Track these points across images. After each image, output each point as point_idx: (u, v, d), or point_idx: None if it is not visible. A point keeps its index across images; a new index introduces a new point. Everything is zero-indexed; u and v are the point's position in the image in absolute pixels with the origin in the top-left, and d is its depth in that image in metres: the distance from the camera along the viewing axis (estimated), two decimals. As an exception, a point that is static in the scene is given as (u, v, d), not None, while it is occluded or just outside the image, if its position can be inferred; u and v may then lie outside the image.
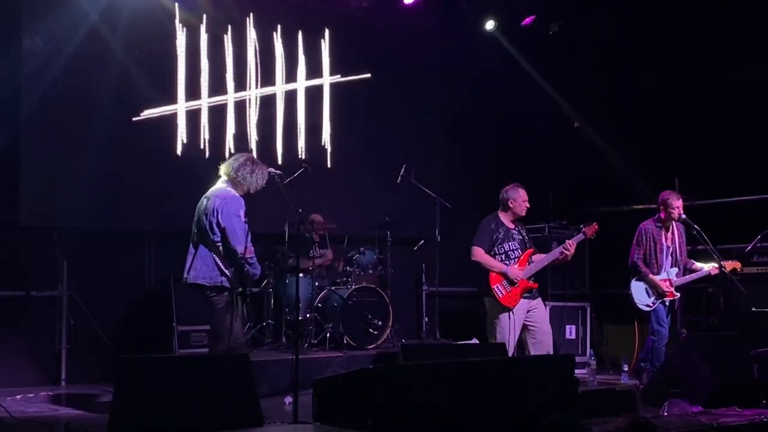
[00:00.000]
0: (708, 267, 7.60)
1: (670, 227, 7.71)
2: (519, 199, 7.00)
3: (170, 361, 5.87)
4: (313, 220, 8.38)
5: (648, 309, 7.60)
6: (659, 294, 7.56)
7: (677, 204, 7.61)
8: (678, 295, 7.64)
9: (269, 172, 6.19)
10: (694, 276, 7.66)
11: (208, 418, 4.73)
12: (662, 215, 7.69)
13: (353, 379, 4.74)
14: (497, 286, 6.82)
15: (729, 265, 7.56)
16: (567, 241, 7.01)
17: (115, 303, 8.16)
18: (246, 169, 6.06)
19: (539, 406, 4.72)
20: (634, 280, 7.67)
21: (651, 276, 7.59)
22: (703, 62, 9.04)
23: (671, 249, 7.69)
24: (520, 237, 7.04)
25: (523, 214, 7.04)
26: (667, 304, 7.60)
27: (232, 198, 5.99)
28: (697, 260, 7.77)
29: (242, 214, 5.94)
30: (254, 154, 8.85)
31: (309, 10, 9.51)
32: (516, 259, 6.92)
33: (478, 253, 6.91)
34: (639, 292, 7.65)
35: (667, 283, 7.58)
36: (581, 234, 7.11)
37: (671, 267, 7.66)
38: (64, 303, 7.85)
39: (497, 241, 6.93)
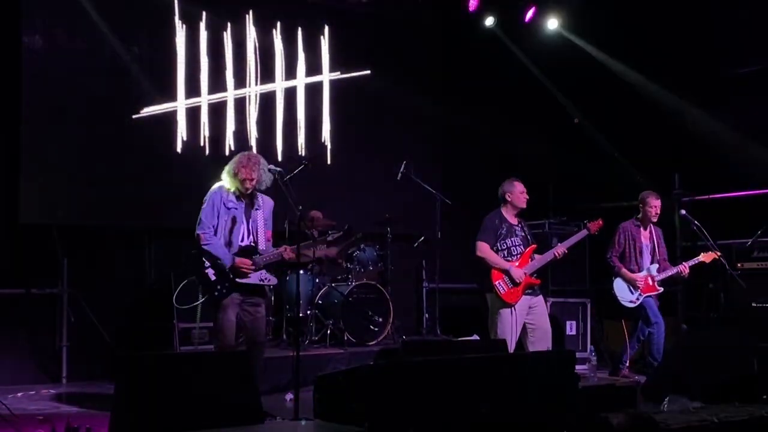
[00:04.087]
0: (680, 266, 7.67)
1: (648, 226, 7.82)
2: (515, 191, 6.98)
3: (171, 359, 5.87)
4: (313, 217, 8.38)
5: (632, 305, 7.73)
6: (635, 288, 7.66)
7: (655, 203, 7.76)
8: (661, 289, 7.74)
9: (269, 169, 6.18)
10: (668, 273, 7.72)
11: (209, 415, 4.73)
12: (641, 214, 7.81)
13: (354, 376, 4.73)
14: (499, 283, 6.81)
15: (708, 256, 7.60)
16: (559, 245, 7.04)
17: (116, 300, 8.16)
18: (230, 166, 6.09)
19: (540, 402, 4.73)
20: (615, 279, 7.78)
21: (624, 271, 7.76)
22: (704, 59, 9.04)
23: (650, 248, 7.82)
24: (523, 233, 7.04)
25: (523, 206, 7.02)
26: (652, 297, 7.70)
27: (209, 191, 6.10)
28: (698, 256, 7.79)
29: (209, 202, 6.01)
30: (254, 150, 8.87)
31: (308, 7, 9.50)
32: (518, 255, 6.91)
33: (484, 249, 6.89)
34: (622, 289, 7.81)
35: (649, 278, 7.69)
36: (585, 230, 7.10)
37: (651, 264, 7.76)
38: (64, 300, 7.85)
39: (500, 237, 6.92)
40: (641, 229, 7.85)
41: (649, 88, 9.58)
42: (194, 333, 7.77)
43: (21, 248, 7.76)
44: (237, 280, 5.95)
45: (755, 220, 8.13)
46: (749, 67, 8.86)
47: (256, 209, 6.13)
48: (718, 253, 7.66)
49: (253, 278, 6.02)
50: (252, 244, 6.09)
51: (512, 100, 10.25)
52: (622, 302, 7.77)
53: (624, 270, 7.74)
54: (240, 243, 6.07)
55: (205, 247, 5.97)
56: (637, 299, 7.69)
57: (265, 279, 6.09)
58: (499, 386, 4.72)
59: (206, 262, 5.96)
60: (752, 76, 8.85)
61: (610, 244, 7.89)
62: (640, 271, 7.76)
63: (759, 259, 8.11)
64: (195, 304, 6.12)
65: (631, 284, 7.71)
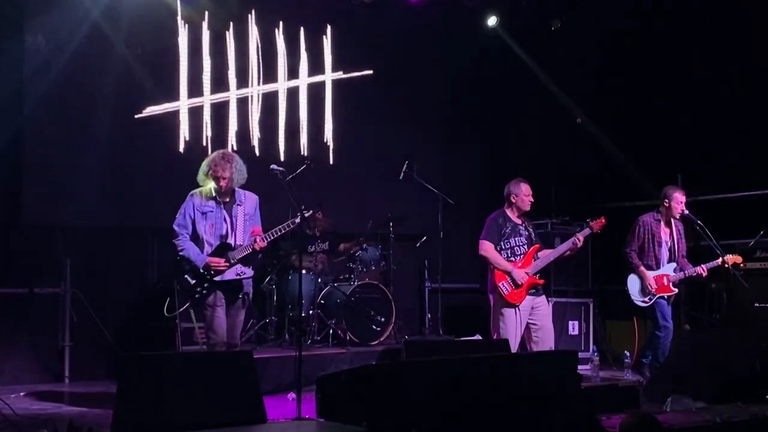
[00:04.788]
0: (698, 267, 7.56)
1: (670, 222, 7.67)
2: (521, 193, 6.98)
3: (173, 358, 5.87)
4: (314, 217, 8.37)
5: (645, 305, 7.56)
6: (648, 289, 7.52)
7: (681, 200, 7.57)
8: (676, 290, 7.61)
9: (271, 169, 6.21)
10: (687, 273, 7.58)
11: (212, 415, 4.74)
12: (663, 210, 7.65)
13: (356, 376, 4.74)
14: (502, 283, 6.80)
15: (729, 260, 7.52)
16: (576, 234, 6.98)
17: (118, 300, 8.17)
18: (205, 165, 6.24)
19: (542, 402, 4.72)
20: (630, 275, 7.64)
21: (641, 269, 7.55)
22: (706, 58, 9.03)
23: (669, 244, 7.65)
24: (527, 232, 7.01)
25: (527, 208, 7.01)
26: (665, 298, 7.57)
27: (185, 201, 6.26)
28: (701, 256, 7.72)
29: (182, 212, 6.20)
30: (256, 151, 8.92)
31: (311, 6, 9.50)
32: (522, 255, 6.89)
33: (487, 248, 6.87)
34: (635, 287, 7.61)
35: (664, 279, 7.55)
36: (588, 228, 7.07)
37: (668, 262, 7.63)
38: (67, 300, 7.85)
39: (504, 236, 6.91)
40: (661, 224, 7.66)
41: (652, 88, 9.59)
42: (196, 332, 7.77)
43: (23, 248, 7.76)
44: (215, 278, 6.07)
45: (758, 220, 8.11)
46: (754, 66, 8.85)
47: (238, 205, 6.22)
48: (740, 258, 7.59)
49: (229, 274, 6.13)
50: (232, 241, 6.17)
51: (515, 99, 10.24)
52: (635, 300, 7.59)
53: (642, 268, 7.53)
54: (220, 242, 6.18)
55: (181, 254, 6.13)
56: (650, 299, 7.56)
57: (241, 272, 6.17)
58: (502, 386, 4.72)
59: (185, 267, 6.11)
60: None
61: (629, 238, 7.68)
62: (658, 267, 7.57)
63: (762, 259, 8.10)
64: (179, 311, 6.26)
65: (646, 284, 7.57)
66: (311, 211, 6.23)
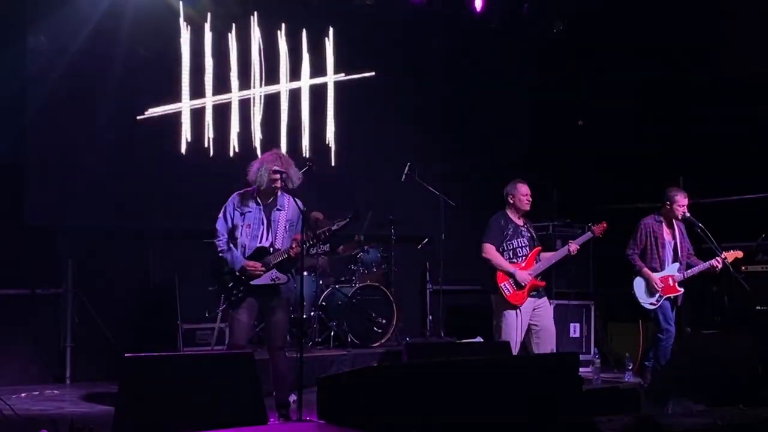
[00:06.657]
0: (709, 262, 7.55)
1: (672, 223, 7.67)
2: (518, 194, 6.99)
3: (175, 359, 5.87)
4: (316, 219, 8.38)
5: (652, 307, 7.53)
6: (654, 289, 7.51)
7: (683, 202, 7.56)
8: (681, 290, 7.59)
9: (273, 171, 6.17)
10: (695, 270, 7.56)
11: (213, 416, 4.74)
12: (664, 211, 7.64)
13: (357, 377, 4.73)
14: (504, 284, 6.81)
15: (730, 255, 7.51)
16: (570, 243, 7.00)
17: (120, 301, 8.18)
18: (251, 169, 6.07)
19: (543, 404, 4.72)
20: (636, 278, 7.62)
21: (645, 270, 7.54)
22: (707, 59, 9.04)
23: (673, 244, 7.64)
24: (529, 234, 7.02)
25: (526, 208, 7.02)
26: (672, 300, 7.56)
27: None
28: (702, 259, 7.71)
29: (222, 212, 6.04)
30: (258, 152, 8.89)
31: (313, 8, 9.51)
32: (524, 257, 6.90)
33: (489, 250, 6.88)
34: (642, 290, 7.59)
35: (669, 279, 7.54)
36: (589, 232, 7.07)
37: (673, 262, 7.62)
38: (68, 301, 7.87)
39: (506, 237, 6.92)
40: (663, 225, 7.65)
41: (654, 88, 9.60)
42: (198, 334, 7.79)
43: (26, 249, 7.77)
44: (250, 282, 5.94)
45: (760, 223, 8.11)
46: (756, 68, 8.85)
47: (278, 210, 6.05)
48: (740, 253, 7.56)
49: (265, 278, 5.98)
50: (269, 245, 6.03)
51: (517, 102, 10.25)
52: (643, 303, 7.55)
53: (645, 269, 7.52)
54: (257, 245, 6.02)
55: (220, 255, 5.99)
56: (657, 301, 7.51)
57: (276, 278, 6.02)
58: (503, 388, 4.72)
59: (225, 268, 5.98)
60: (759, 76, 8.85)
61: (630, 241, 7.67)
62: (662, 268, 7.55)
63: (763, 262, 8.10)
64: (218, 311, 6.19)
65: (651, 285, 7.56)
66: (346, 220, 6.14)
